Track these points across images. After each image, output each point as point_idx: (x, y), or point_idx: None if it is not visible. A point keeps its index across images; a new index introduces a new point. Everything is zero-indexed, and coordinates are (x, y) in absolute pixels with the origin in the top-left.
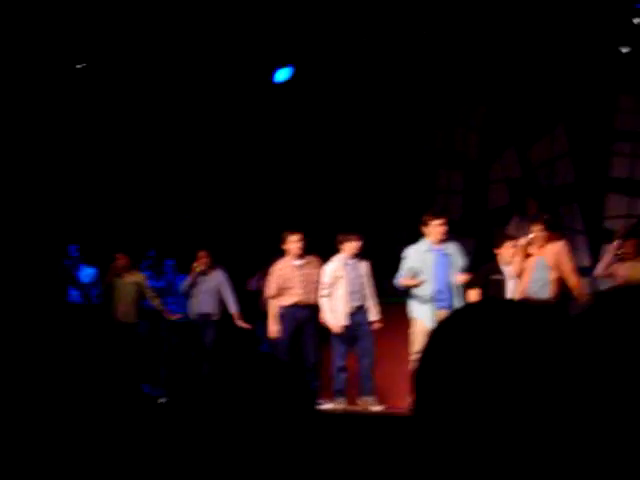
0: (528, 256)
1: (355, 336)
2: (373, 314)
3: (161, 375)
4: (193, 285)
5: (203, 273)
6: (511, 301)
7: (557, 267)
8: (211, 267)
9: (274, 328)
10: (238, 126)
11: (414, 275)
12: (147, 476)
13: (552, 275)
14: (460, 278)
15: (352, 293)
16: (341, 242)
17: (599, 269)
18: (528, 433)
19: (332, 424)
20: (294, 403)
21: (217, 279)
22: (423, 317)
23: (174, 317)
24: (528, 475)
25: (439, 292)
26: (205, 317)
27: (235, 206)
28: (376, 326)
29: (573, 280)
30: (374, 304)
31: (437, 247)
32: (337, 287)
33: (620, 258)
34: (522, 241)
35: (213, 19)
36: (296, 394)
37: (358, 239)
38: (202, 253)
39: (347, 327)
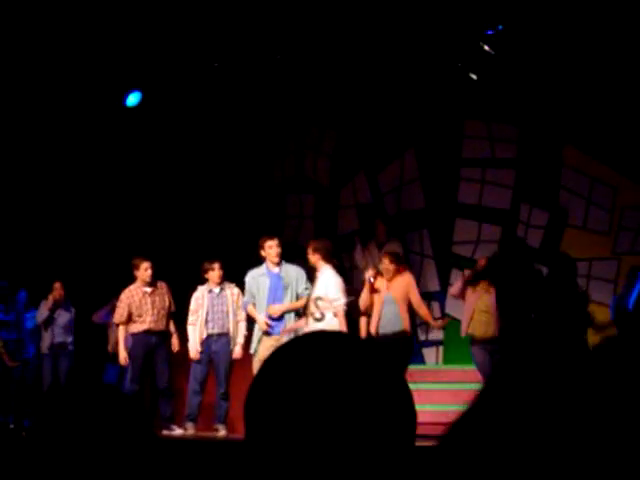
0: (374, 291)
1: (213, 363)
2: (233, 343)
3: (11, 404)
4: (50, 317)
5: (59, 305)
6: (339, 334)
7: (405, 299)
8: (65, 299)
9: (124, 354)
10: (87, 151)
11: (254, 300)
12: None
13: (400, 309)
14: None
15: (211, 321)
16: (205, 270)
17: (454, 290)
18: (341, 458)
19: (173, 450)
20: (133, 431)
21: (70, 314)
22: (257, 343)
23: (13, 364)
24: None
25: (269, 317)
26: (59, 346)
27: (83, 234)
28: (235, 355)
29: (423, 310)
30: (239, 332)
31: (273, 270)
32: (199, 314)
33: (473, 283)
34: (368, 275)
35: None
36: (134, 423)
37: (221, 267)
38: (57, 284)
39: (203, 353)
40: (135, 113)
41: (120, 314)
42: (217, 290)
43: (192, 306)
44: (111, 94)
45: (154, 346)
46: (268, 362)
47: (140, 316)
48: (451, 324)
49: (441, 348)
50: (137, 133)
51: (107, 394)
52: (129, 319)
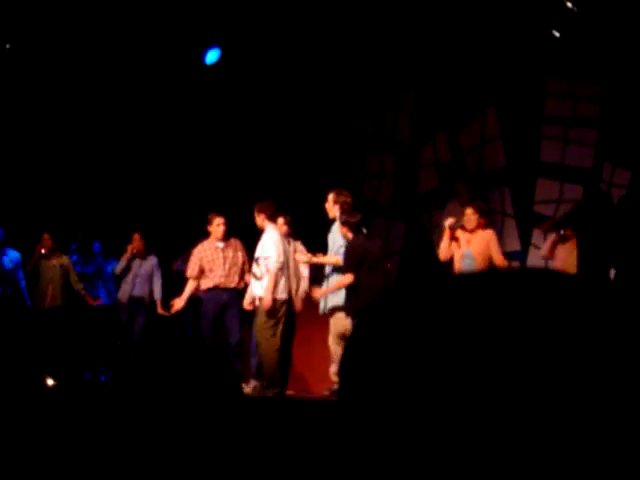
0: (455, 239)
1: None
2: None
3: (87, 357)
4: (128, 268)
5: (138, 256)
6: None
7: (486, 255)
8: (146, 251)
9: (181, 304)
10: (163, 110)
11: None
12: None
13: (480, 265)
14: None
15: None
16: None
17: (544, 250)
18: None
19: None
20: (220, 387)
21: (151, 263)
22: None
23: (96, 302)
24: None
25: None
26: (137, 301)
27: (160, 187)
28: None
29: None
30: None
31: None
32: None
33: (563, 239)
34: (447, 222)
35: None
36: (222, 378)
37: (285, 222)
38: (136, 236)
39: None
40: (214, 70)
41: (192, 268)
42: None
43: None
44: (190, 52)
45: (225, 302)
46: (367, 318)
47: (211, 271)
48: None
49: None
50: (216, 91)
51: (197, 349)
52: (201, 273)
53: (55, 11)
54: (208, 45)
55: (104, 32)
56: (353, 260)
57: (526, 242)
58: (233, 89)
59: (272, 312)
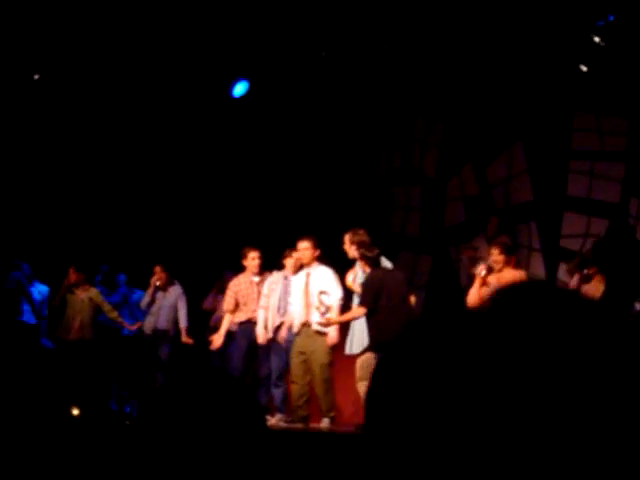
0: (485, 284)
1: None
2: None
3: (113, 387)
4: (152, 301)
5: (161, 288)
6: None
7: None
8: (169, 282)
9: (220, 340)
10: (193, 140)
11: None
12: None
13: None
14: None
15: (282, 308)
16: (284, 257)
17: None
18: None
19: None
20: (245, 418)
21: (175, 294)
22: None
23: (134, 327)
24: None
25: None
26: (162, 333)
27: (185, 218)
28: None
29: None
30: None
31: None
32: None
33: (587, 278)
34: (479, 270)
35: (174, 32)
36: (247, 409)
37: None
38: (158, 268)
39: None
40: (242, 103)
41: (228, 302)
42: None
43: (265, 290)
44: (218, 84)
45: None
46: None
47: (245, 305)
48: None
49: None
50: (244, 123)
51: (224, 382)
52: (236, 307)
53: (85, 39)
54: (236, 77)
55: (134, 63)
56: (369, 293)
57: (552, 276)
58: (261, 121)
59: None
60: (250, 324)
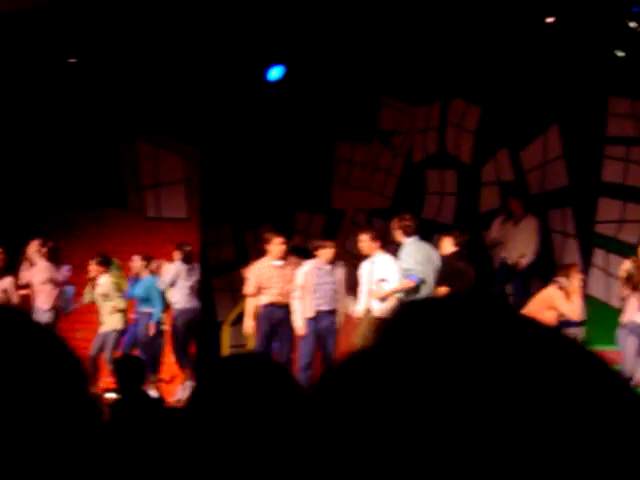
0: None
1: (320, 340)
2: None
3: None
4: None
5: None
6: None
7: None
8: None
9: (250, 324)
10: (227, 124)
11: None
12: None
13: None
14: None
15: (318, 298)
16: (316, 248)
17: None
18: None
19: None
20: (288, 402)
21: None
22: None
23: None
24: None
25: None
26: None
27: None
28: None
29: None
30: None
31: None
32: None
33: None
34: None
35: (206, 18)
36: (289, 393)
37: (333, 246)
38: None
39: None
40: (277, 87)
41: (249, 285)
42: (327, 267)
43: (300, 280)
44: (253, 68)
45: (278, 319)
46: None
47: (268, 288)
48: (592, 304)
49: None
50: (279, 107)
51: (266, 365)
52: (258, 291)
53: (118, 28)
54: (271, 62)
55: (168, 49)
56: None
57: (587, 262)
58: (296, 106)
59: None
60: (273, 307)
